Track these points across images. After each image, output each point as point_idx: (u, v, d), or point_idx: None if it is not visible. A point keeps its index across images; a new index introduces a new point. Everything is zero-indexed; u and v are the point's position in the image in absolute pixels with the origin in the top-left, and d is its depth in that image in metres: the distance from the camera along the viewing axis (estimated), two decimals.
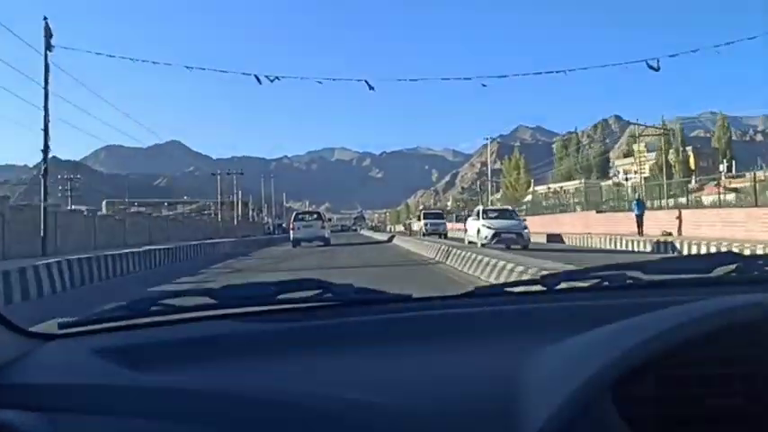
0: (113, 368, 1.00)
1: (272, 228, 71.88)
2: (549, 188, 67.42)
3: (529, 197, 63.53)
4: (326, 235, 29.76)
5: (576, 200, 40.63)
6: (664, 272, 1.47)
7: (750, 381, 0.66)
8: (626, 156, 74.38)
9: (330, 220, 32.51)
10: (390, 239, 35.83)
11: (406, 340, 1.10)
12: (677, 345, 0.65)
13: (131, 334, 1.18)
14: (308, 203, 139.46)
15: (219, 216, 57.41)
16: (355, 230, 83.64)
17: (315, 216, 31.70)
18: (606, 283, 1.43)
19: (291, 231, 29.57)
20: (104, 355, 1.05)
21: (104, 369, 1.00)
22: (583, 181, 67.08)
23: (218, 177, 61.90)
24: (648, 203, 29.21)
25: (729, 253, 2.30)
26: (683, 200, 29.22)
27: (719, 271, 1.42)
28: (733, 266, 1.45)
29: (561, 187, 65.04)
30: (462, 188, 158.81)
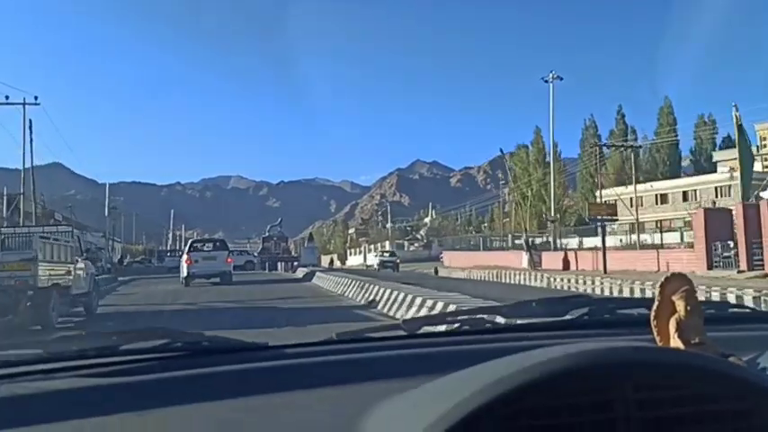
0: None
1: None
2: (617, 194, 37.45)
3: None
4: (229, 270, 23.87)
5: None
6: (520, 315, 1.55)
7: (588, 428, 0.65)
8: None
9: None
10: None
11: (256, 391, 1.04)
12: (514, 392, 0.64)
13: None
14: (197, 233, 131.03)
15: None
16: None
17: (216, 244, 25.17)
18: (465, 327, 1.48)
19: (186, 265, 23.20)
20: None
21: None
22: (731, 169, 38.29)
23: None
24: None
25: (582, 296, 2.32)
26: None
27: (573, 314, 1.49)
28: (585, 309, 1.51)
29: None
30: (362, 219, 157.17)
